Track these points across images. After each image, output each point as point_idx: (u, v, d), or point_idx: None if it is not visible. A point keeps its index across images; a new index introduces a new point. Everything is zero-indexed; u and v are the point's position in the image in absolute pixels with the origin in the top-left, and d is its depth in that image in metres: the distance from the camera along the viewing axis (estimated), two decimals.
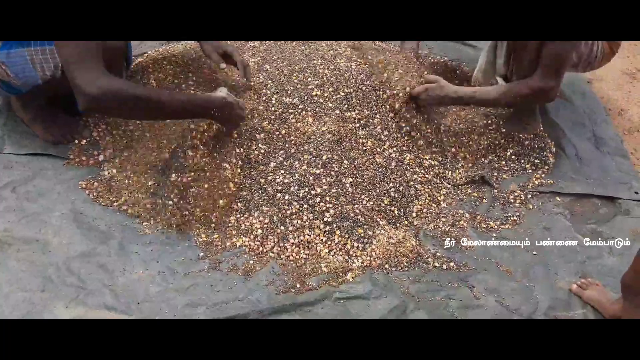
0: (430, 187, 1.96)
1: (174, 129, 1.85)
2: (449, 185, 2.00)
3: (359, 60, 2.20)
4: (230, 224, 1.78)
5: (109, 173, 1.88)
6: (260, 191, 1.84)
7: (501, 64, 2.15)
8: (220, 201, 1.80)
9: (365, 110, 2.03)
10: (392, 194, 1.89)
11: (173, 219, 1.75)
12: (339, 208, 1.80)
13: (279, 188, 1.82)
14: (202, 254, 1.72)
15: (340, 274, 1.69)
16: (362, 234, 1.78)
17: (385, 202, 1.87)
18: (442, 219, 1.90)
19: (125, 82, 1.66)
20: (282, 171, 1.86)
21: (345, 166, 1.89)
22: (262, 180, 1.84)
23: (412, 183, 1.94)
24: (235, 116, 1.83)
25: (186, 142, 1.80)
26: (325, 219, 1.78)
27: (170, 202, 1.76)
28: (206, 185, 1.78)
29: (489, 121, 2.19)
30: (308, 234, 1.75)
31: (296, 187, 1.82)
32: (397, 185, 1.91)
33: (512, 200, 2.01)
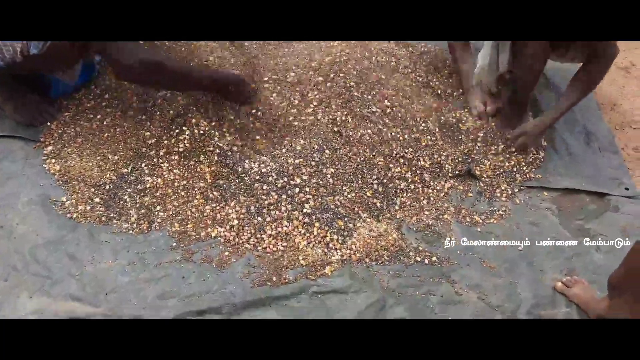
0: (414, 180, 1.90)
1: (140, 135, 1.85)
2: (434, 178, 1.94)
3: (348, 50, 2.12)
4: (205, 214, 1.72)
5: (73, 162, 1.80)
6: (237, 180, 1.77)
7: (505, 60, 2.08)
8: (191, 211, 1.72)
9: (349, 101, 1.96)
10: (375, 186, 1.83)
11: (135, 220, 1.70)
12: (319, 199, 1.74)
13: (257, 177, 1.75)
14: (174, 244, 1.65)
15: (319, 267, 1.63)
16: (343, 227, 1.72)
17: (368, 194, 1.80)
18: (426, 212, 1.84)
19: (162, 55, 1.87)
20: (261, 160, 1.79)
21: (327, 156, 1.82)
22: (239, 169, 1.77)
23: (396, 175, 1.88)
24: (247, 93, 1.93)
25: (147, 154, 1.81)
26: (305, 210, 1.71)
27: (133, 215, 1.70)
28: (175, 204, 1.72)
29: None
30: (286, 226, 1.69)
31: (275, 177, 1.75)
32: (381, 177, 1.85)
33: (498, 195, 1.95)
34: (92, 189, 1.73)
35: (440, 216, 1.84)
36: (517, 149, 2.05)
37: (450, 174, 1.97)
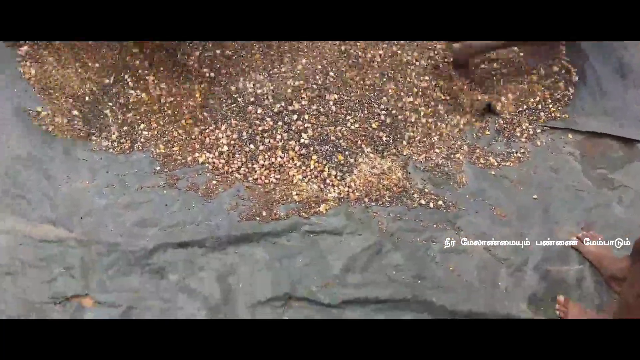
0: (427, 112, 1.72)
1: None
2: (449, 112, 1.75)
3: None
4: (193, 136, 1.56)
5: (50, 67, 1.62)
6: (229, 101, 1.60)
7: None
8: (178, 132, 1.56)
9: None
10: (383, 117, 1.65)
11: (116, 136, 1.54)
12: (319, 129, 1.57)
13: (251, 99, 1.58)
14: (158, 168, 1.51)
15: (313, 205, 1.50)
16: (342, 161, 1.56)
17: (374, 125, 1.63)
18: (436, 150, 1.67)
19: None
20: (256, 79, 1.60)
21: (331, 79, 1.63)
22: (233, 88, 1.59)
23: (407, 106, 1.69)
24: None
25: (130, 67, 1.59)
26: (302, 140, 1.55)
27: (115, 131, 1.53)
28: (160, 122, 1.55)
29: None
30: (281, 156, 1.54)
31: (271, 100, 1.57)
32: (390, 107, 1.67)
33: (518, 134, 1.77)
34: (71, 100, 1.57)
35: (452, 155, 1.67)
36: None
37: (467, 108, 1.78)
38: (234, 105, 1.58)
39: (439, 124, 1.71)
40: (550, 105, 1.84)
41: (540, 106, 1.83)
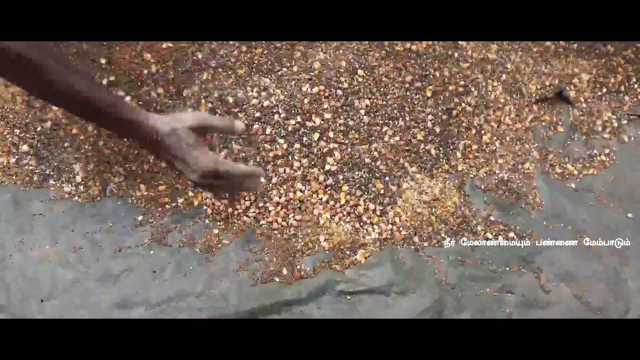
0: (486, 108, 1.32)
1: None
2: (512, 105, 1.36)
3: None
4: None
5: None
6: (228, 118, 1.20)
7: None
8: (162, 166, 1.17)
9: None
10: (430, 123, 1.25)
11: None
12: (349, 149, 1.19)
13: (257, 114, 1.18)
14: (140, 218, 1.14)
15: (348, 253, 1.14)
16: (382, 190, 1.19)
17: (419, 136, 1.24)
18: (499, 161, 1.29)
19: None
20: (261, 85, 1.20)
21: (360, 79, 1.22)
22: (231, 100, 1.19)
23: (460, 103, 1.29)
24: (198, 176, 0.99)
25: None
26: (327, 166, 1.17)
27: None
28: (140, 152, 1.15)
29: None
30: (301, 190, 1.16)
31: (282, 115, 1.18)
32: (438, 109, 1.27)
33: (599, 129, 1.38)
34: (17, 131, 1.18)
35: (519, 166, 1.29)
36: None
37: (534, 97, 1.38)
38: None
39: (500, 124, 1.32)
40: (636, 85, 1.44)
41: (623, 87, 1.43)
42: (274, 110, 1.17)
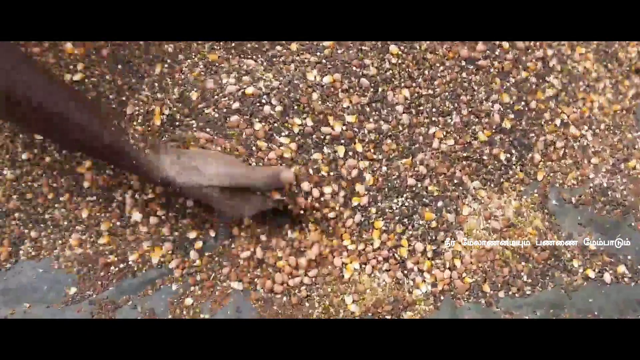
0: (572, 87, 0.93)
1: None
2: (609, 79, 0.96)
3: None
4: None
5: None
6: (199, 119, 0.81)
7: None
8: (103, 207, 0.81)
9: None
10: (497, 116, 0.87)
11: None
12: (383, 168, 0.81)
13: (235, 105, 0.80)
14: (74, 290, 0.79)
15: (389, 317, 0.78)
16: (434, 221, 0.82)
17: (482, 137, 0.86)
18: (594, 159, 0.91)
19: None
20: (242, 67, 0.81)
21: (394, 60, 0.83)
22: (195, 97, 0.80)
23: (538, 83, 0.90)
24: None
25: None
26: (355, 201, 0.80)
27: None
28: (72, 193, 0.79)
29: None
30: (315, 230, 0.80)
31: (279, 109, 0.80)
32: (508, 92, 0.88)
33: None
34: None
35: (621, 165, 0.92)
36: None
37: (632, 65, 0.98)
38: (208, 128, 0.80)
39: (593, 106, 0.93)
40: None
41: None
42: (263, 101, 0.78)
